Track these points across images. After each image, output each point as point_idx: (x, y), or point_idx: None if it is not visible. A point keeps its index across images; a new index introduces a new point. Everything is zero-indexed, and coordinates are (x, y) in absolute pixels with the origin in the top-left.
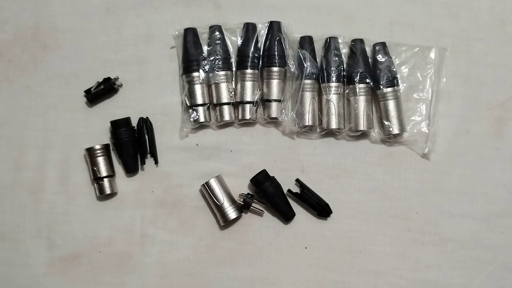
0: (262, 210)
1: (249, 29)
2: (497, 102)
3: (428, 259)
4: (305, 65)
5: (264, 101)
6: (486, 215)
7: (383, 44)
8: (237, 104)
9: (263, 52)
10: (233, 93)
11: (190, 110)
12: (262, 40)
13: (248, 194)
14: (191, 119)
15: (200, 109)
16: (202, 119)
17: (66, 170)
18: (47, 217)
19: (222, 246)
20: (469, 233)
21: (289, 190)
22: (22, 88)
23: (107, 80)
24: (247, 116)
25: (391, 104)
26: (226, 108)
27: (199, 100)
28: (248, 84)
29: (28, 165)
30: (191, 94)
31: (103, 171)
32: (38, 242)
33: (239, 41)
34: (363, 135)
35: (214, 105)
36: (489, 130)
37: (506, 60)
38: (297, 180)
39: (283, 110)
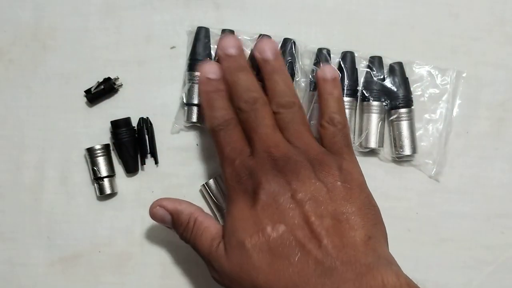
0: None
1: None
2: (497, 102)
3: (428, 259)
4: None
5: None
6: (486, 215)
7: (400, 64)
8: None
9: None
10: None
11: (186, 108)
12: None
13: None
14: (184, 117)
15: (195, 108)
16: (194, 119)
17: (66, 170)
18: (47, 217)
19: None
20: (469, 233)
21: None
22: (22, 88)
23: (107, 80)
24: None
25: (405, 125)
26: None
27: (196, 100)
28: None
29: (28, 165)
30: (189, 93)
31: (103, 171)
32: (38, 242)
33: (250, 51)
34: (372, 152)
35: None
36: (489, 130)
37: (506, 60)
38: None
39: None
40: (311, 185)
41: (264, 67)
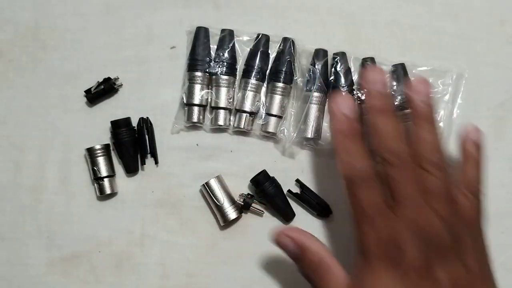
0: (262, 210)
1: (261, 40)
2: (497, 102)
3: None
4: (315, 78)
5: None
6: (486, 215)
7: (402, 65)
8: (235, 112)
9: (271, 66)
10: (231, 99)
11: (186, 108)
12: (272, 52)
13: (248, 194)
14: (184, 117)
15: (195, 108)
16: (195, 119)
17: (66, 170)
18: (47, 217)
19: (222, 246)
20: None
21: (289, 191)
22: (22, 88)
23: (107, 80)
24: (242, 125)
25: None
26: (221, 113)
27: (196, 100)
28: (249, 94)
29: (28, 165)
30: (189, 93)
31: (103, 171)
32: (38, 242)
33: (249, 50)
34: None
35: (211, 107)
36: (489, 130)
37: (506, 60)
38: (297, 181)
39: (282, 128)
40: (455, 270)
41: (415, 109)
